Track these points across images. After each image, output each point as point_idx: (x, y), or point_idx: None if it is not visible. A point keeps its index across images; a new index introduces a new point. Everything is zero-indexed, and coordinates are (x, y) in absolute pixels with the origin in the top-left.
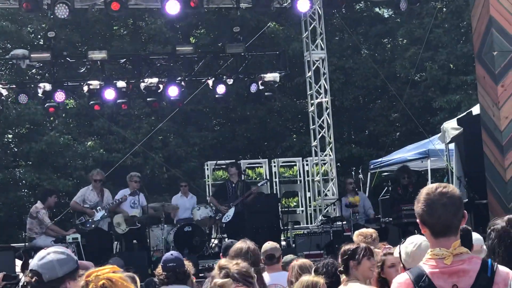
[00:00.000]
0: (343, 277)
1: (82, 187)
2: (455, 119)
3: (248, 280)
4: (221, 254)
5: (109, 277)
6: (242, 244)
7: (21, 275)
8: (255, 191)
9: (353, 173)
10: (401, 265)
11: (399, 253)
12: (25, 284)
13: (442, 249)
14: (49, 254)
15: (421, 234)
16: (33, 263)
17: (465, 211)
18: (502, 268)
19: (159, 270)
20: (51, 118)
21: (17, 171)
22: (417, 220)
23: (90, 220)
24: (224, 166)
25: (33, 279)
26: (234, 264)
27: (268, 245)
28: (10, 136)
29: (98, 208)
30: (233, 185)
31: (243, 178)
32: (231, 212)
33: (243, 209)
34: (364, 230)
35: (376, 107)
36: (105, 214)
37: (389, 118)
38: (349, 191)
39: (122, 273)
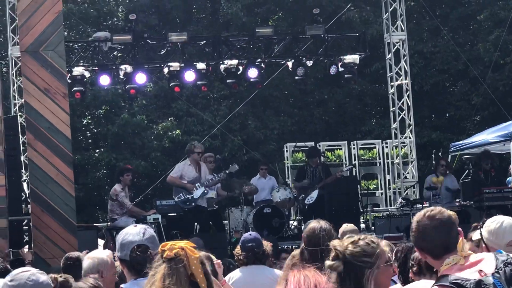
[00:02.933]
0: None
1: (159, 168)
2: None
3: (363, 260)
4: (303, 234)
5: (182, 247)
6: (315, 224)
7: None
8: (339, 175)
9: (433, 155)
10: (483, 245)
11: (480, 233)
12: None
13: (451, 257)
14: (147, 229)
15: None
16: (136, 238)
17: (459, 228)
18: None
19: (238, 250)
20: (127, 101)
21: (96, 152)
22: (415, 249)
23: (189, 198)
24: (304, 149)
25: (146, 254)
26: (349, 244)
27: (347, 227)
28: (88, 118)
29: (197, 184)
30: (312, 168)
31: (322, 161)
32: (314, 194)
33: (324, 192)
34: None
35: (457, 91)
36: (205, 191)
37: (471, 102)
38: (439, 172)
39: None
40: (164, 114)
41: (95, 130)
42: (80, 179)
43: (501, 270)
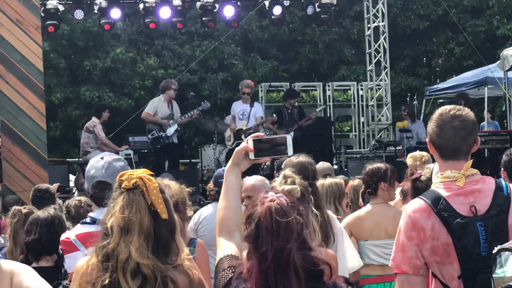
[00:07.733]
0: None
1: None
2: None
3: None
4: (275, 172)
5: (141, 177)
6: (300, 157)
7: (74, 189)
8: (313, 116)
9: (407, 99)
10: None
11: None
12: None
13: (453, 171)
14: (111, 163)
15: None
16: (98, 174)
17: (478, 137)
18: None
19: (210, 185)
20: (105, 38)
21: (78, 88)
22: (427, 140)
23: (163, 135)
24: (279, 89)
25: (105, 190)
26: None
27: (323, 165)
28: (70, 52)
29: (170, 121)
30: (289, 110)
31: (297, 104)
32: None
33: (298, 134)
34: (415, 153)
35: (437, 39)
36: (178, 128)
37: (452, 50)
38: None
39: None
40: (145, 51)
41: (78, 65)
42: (60, 115)
43: (493, 213)
